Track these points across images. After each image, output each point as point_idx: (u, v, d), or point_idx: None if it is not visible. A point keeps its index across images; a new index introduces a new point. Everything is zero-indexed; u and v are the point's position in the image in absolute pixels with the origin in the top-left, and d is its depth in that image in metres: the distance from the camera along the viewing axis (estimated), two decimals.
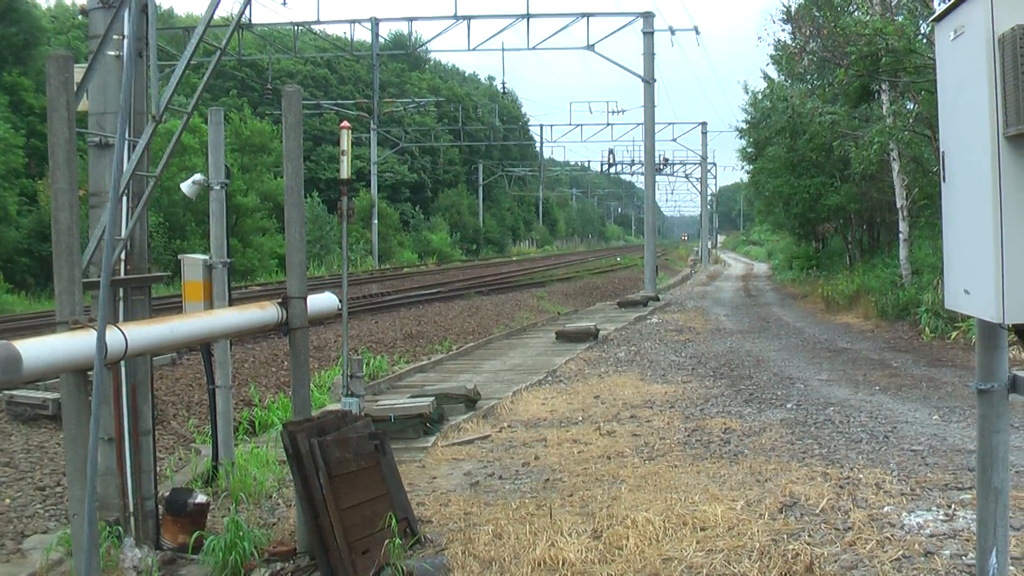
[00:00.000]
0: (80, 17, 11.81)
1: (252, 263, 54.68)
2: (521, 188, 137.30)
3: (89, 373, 6.21)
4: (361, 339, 24.53)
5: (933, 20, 5.37)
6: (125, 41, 8.55)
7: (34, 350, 5.89)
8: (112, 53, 8.65)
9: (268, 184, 61.74)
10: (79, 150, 8.93)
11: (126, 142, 8.44)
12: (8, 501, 10.60)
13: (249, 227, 55.79)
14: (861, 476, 10.38)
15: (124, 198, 8.53)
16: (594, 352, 23.32)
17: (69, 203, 6.64)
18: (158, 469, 12.27)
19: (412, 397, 15.39)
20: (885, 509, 9.07)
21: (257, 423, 15.04)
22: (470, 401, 15.62)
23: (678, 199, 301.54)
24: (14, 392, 13.82)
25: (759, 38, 71.01)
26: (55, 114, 6.66)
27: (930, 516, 8.80)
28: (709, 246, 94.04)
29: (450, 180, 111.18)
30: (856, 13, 26.96)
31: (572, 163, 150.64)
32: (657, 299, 40.36)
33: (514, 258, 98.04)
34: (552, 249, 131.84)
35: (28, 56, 45.08)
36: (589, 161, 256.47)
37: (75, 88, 8.28)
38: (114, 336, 6.46)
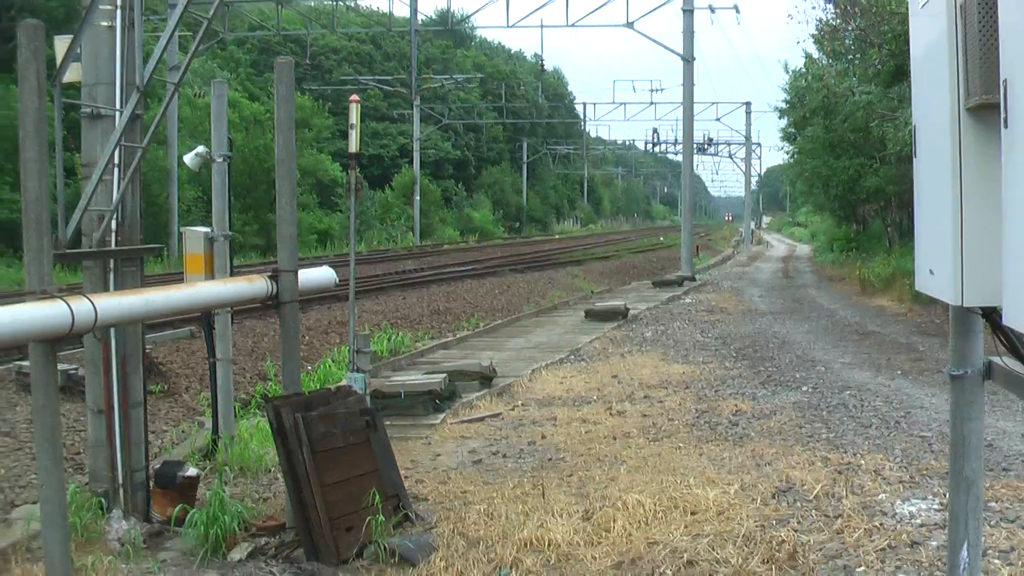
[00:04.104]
0: None
1: None
2: (565, 166, 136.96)
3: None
4: (387, 315, 24.43)
5: None
6: (117, 12, 8.47)
7: None
8: (105, 24, 8.55)
9: (308, 159, 61.89)
10: (73, 121, 8.90)
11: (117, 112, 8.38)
12: (3, 471, 10.60)
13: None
14: (862, 462, 10.20)
15: (116, 169, 8.45)
16: (621, 331, 23.14)
17: (38, 172, 6.57)
18: (162, 442, 12.33)
19: (427, 374, 15.30)
20: (880, 497, 8.90)
21: (270, 397, 14.98)
22: (485, 378, 15.49)
23: (725, 179, 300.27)
24: (23, 363, 13.83)
25: (789, 16, 70.32)
26: (25, 84, 6.58)
27: (924, 505, 8.62)
28: (752, 227, 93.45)
29: (494, 158, 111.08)
30: None
31: (617, 142, 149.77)
32: (693, 279, 40.11)
33: (556, 236, 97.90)
34: (596, 228, 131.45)
35: (68, 29, 45.03)
36: (633, 140, 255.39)
37: (59, 60, 8.23)
38: (83, 306, 6.38)
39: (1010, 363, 4.66)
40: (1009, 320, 3.90)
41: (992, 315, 4.63)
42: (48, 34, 6.91)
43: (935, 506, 8.58)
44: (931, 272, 4.84)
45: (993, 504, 8.55)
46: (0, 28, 44.42)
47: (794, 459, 10.44)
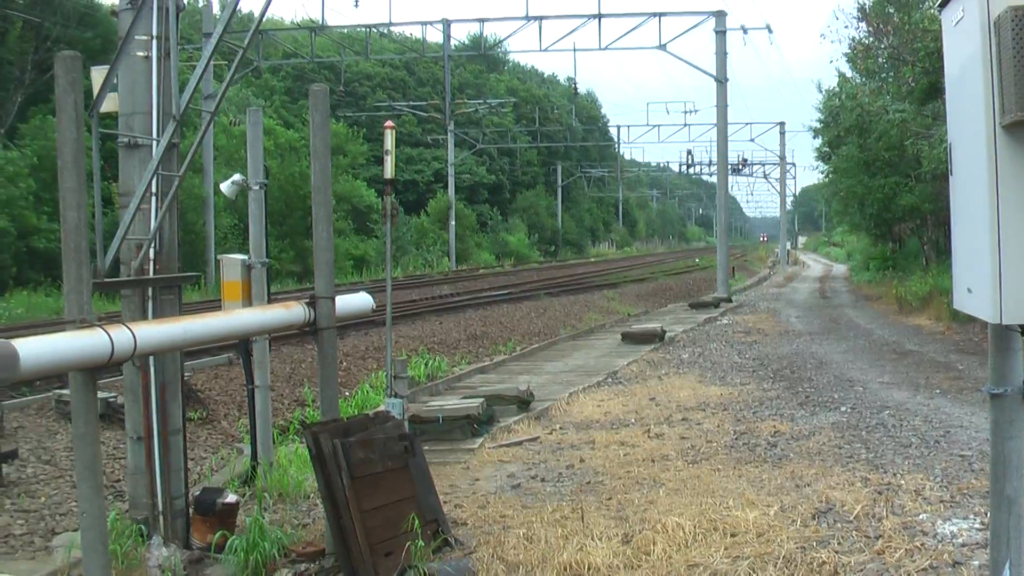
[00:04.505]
0: (113, 19, 11.98)
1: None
2: (600, 189, 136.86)
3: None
4: (423, 340, 24.49)
5: (939, 7, 5.16)
6: (153, 42, 8.55)
7: (34, 348, 5.87)
8: (141, 54, 8.63)
9: (344, 185, 62.17)
10: (110, 150, 8.99)
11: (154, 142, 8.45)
12: (43, 499, 10.68)
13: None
14: (903, 482, 10.13)
15: (153, 198, 8.51)
16: (658, 354, 23.08)
17: (77, 202, 6.62)
18: (201, 468, 12.39)
19: (464, 398, 15.31)
20: (920, 516, 8.83)
21: (308, 423, 15.02)
22: (522, 403, 15.49)
23: (760, 200, 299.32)
24: (62, 391, 13.93)
25: (822, 36, 70.63)
26: (63, 114, 6.64)
27: (965, 525, 8.55)
28: (788, 247, 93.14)
29: (528, 181, 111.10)
30: (929, 9, 26.49)
31: (651, 164, 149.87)
32: (729, 300, 40.05)
33: (592, 259, 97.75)
34: (631, 251, 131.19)
35: (104, 60, 45.42)
36: (668, 161, 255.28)
37: (96, 90, 8.32)
38: (122, 335, 6.42)
39: None
40: None
41: None
42: (84, 65, 6.97)
43: (976, 525, 8.51)
44: (969, 290, 4.82)
45: None
46: (37, 59, 44.94)
47: (833, 480, 10.38)
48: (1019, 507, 5.14)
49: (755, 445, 12.52)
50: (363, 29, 50.91)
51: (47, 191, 38.80)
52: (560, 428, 14.36)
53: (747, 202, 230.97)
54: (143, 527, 8.58)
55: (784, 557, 7.79)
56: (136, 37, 8.39)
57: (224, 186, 11.42)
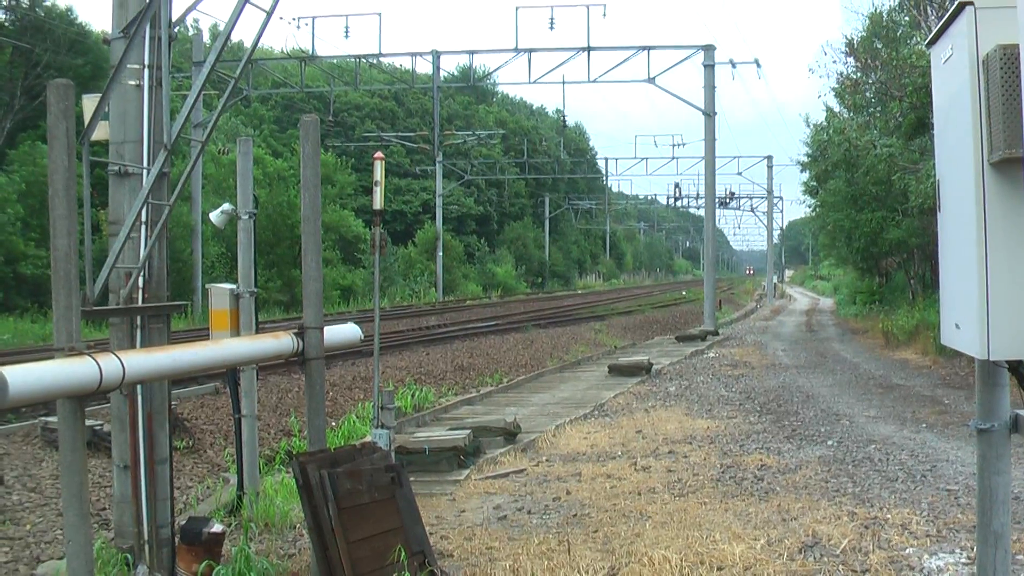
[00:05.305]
0: (104, 46, 12.04)
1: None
2: (588, 221, 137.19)
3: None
4: (410, 370, 24.47)
5: (927, 44, 5.20)
6: (145, 71, 8.56)
7: (22, 376, 5.85)
8: (132, 83, 8.64)
9: (332, 215, 62.20)
10: (99, 178, 8.99)
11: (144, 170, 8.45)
12: (29, 527, 10.63)
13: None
14: (889, 516, 10.14)
15: (143, 226, 8.51)
16: (645, 386, 23.09)
17: (67, 230, 6.61)
18: (187, 497, 12.34)
19: (451, 429, 15.30)
20: (907, 551, 8.84)
21: (295, 453, 14.99)
22: (509, 434, 15.49)
23: (747, 233, 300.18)
24: (48, 418, 13.89)
25: (810, 70, 70.96)
26: (55, 141, 6.64)
27: (951, 559, 8.56)
28: (775, 280, 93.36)
29: (516, 213, 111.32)
30: (916, 45, 26.67)
31: (639, 196, 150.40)
32: (716, 333, 40.15)
33: (579, 291, 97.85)
34: (619, 283, 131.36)
35: (95, 87, 45.64)
36: (655, 194, 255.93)
37: (87, 118, 8.33)
38: (110, 363, 6.41)
39: None
40: None
41: (1019, 368, 4.63)
42: (75, 92, 6.97)
43: (963, 560, 8.52)
44: (957, 326, 4.85)
45: (1021, 557, 8.49)
46: (27, 85, 44.96)
47: (820, 513, 10.38)
48: (1006, 542, 5.16)
49: (742, 478, 12.52)
50: (353, 59, 50.93)
51: (35, 217, 38.80)
52: (547, 460, 14.34)
53: (734, 235, 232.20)
54: (129, 556, 8.53)
55: None
56: (128, 66, 8.40)
57: (213, 215, 11.42)
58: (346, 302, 58.14)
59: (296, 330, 8.77)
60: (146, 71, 8.59)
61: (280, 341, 8.58)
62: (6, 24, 47.70)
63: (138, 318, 8.62)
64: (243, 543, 8.84)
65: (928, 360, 27.50)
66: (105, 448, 12.16)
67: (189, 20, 62.50)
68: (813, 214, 60.16)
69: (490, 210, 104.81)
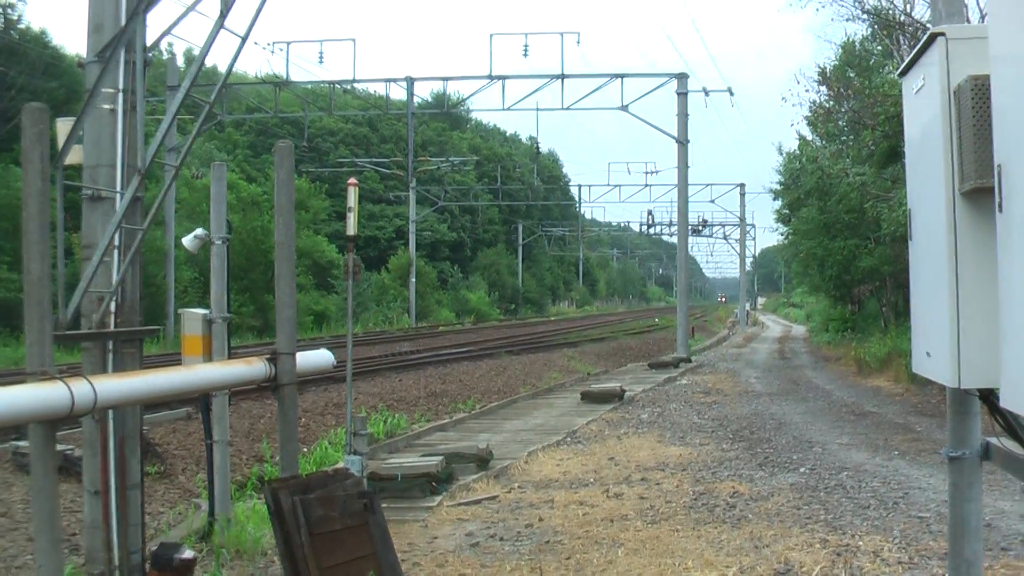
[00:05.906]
0: (79, 70, 12.04)
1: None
2: (561, 248, 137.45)
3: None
4: (383, 396, 24.39)
5: (900, 74, 5.25)
6: (119, 95, 8.55)
7: None
8: (107, 107, 8.63)
9: (305, 240, 62.11)
10: (71, 201, 8.95)
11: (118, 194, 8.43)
12: None
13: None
14: (861, 543, 10.17)
15: (116, 251, 8.48)
16: (617, 413, 23.09)
17: (41, 254, 6.59)
18: (158, 523, 12.27)
19: (423, 456, 15.27)
20: None
21: (266, 479, 14.93)
22: (482, 461, 15.46)
23: (719, 260, 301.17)
24: (19, 443, 13.81)
25: (783, 99, 71.51)
26: (30, 165, 6.62)
27: None
28: (748, 308, 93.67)
29: (489, 239, 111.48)
30: (888, 74, 26.91)
31: (612, 223, 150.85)
32: (689, 360, 40.16)
33: (552, 318, 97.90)
34: (592, 310, 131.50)
35: (69, 110, 45.32)
36: (628, 221, 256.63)
37: (61, 142, 8.30)
38: (82, 388, 6.39)
39: (1008, 444, 4.68)
40: (1007, 402, 3.92)
41: (990, 397, 4.66)
42: (50, 116, 6.96)
43: None
44: (928, 354, 4.88)
45: None
46: (0, 108, 44.79)
47: (792, 541, 10.40)
48: (978, 569, 5.18)
49: (714, 506, 12.53)
50: (327, 85, 51.07)
51: (8, 240, 38.59)
52: (519, 487, 14.32)
53: (707, 263, 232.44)
54: None
55: None
56: (103, 90, 8.39)
57: (186, 240, 11.39)
58: (319, 327, 58.02)
59: (269, 356, 8.75)
60: (120, 95, 8.57)
61: (253, 367, 8.55)
62: None
63: (110, 343, 8.58)
64: (215, 569, 8.81)
65: (900, 388, 27.61)
66: (76, 473, 12.07)
67: (163, 44, 62.59)
68: (786, 242, 60.46)
69: (463, 236, 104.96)
